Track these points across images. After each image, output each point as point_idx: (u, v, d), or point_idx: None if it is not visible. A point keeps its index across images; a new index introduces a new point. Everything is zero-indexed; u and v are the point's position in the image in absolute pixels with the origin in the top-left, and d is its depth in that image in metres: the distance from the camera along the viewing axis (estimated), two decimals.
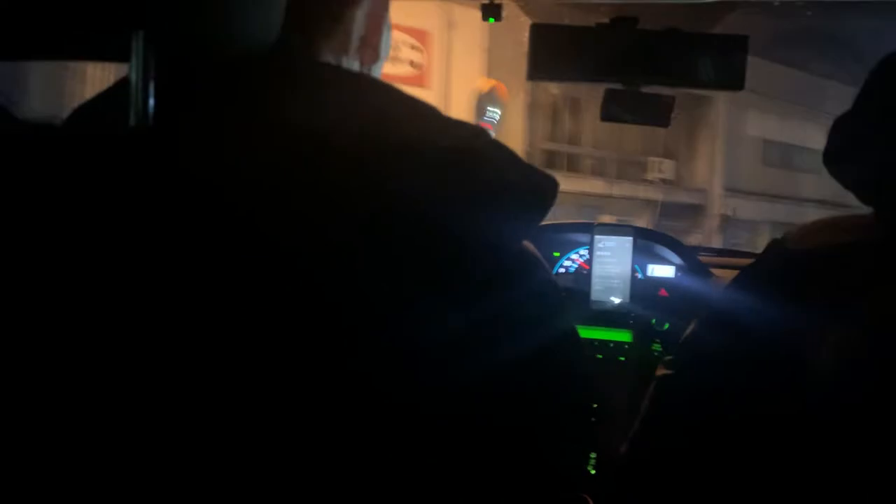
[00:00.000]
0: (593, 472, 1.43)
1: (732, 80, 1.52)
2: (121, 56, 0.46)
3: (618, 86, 1.58)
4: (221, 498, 0.45)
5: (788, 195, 12.99)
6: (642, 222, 10.18)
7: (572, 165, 11.23)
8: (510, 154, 0.57)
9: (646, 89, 1.57)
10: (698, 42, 1.55)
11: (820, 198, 13.06)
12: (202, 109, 0.51)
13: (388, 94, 0.54)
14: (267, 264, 0.46)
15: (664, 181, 11.53)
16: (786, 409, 0.59)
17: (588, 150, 11.20)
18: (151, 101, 0.47)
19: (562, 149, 10.69)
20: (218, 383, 0.44)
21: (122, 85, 0.50)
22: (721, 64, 1.52)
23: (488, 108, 4.50)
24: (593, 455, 1.44)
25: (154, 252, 0.46)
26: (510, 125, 8.93)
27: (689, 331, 0.85)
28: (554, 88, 10.59)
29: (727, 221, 11.68)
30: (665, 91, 1.58)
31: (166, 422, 0.44)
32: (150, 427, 0.44)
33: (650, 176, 11.43)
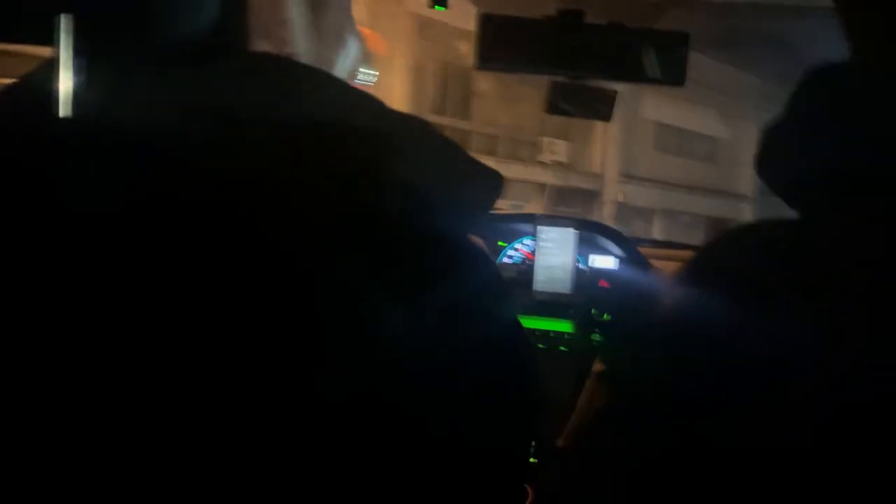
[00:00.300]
0: (534, 460, 1.61)
1: (674, 75, 1.71)
2: (44, 39, 0.47)
3: (562, 79, 1.75)
4: (220, 495, 0.48)
5: (682, 183, 13.58)
6: (534, 207, 10.40)
7: (460, 142, 11.28)
8: (454, 148, 0.63)
9: (589, 83, 1.75)
10: (641, 37, 1.73)
11: (713, 187, 13.98)
12: (132, 96, 0.52)
13: (327, 84, 0.58)
14: (201, 257, 0.49)
15: (558, 164, 11.69)
16: (736, 413, 0.61)
17: (478, 126, 11.18)
18: (79, 89, 0.48)
19: (449, 123, 10.52)
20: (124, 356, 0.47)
21: (43, 71, 0.51)
22: (663, 59, 1.71)
23: (360, 68, 4.48)
24: (533, 444, 1.62)
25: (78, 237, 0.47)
26: (390, 93, 8.72)
27: (633, 326, 0.96)
28: (441, 53, 10.24)
29: (620, 209, 12.01)
30: (608, 85, 1.78)
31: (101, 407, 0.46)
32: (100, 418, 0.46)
33: (543, 158, 11.55)
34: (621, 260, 1.67)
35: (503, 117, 11.40)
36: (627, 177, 12.76)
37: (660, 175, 13.23)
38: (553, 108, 1.69)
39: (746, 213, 15.83)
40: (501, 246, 1.81)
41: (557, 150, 11.75)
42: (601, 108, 1.69)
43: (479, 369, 0.62)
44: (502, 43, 1.63)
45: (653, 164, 13.21)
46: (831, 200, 0.65)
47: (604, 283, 1.62)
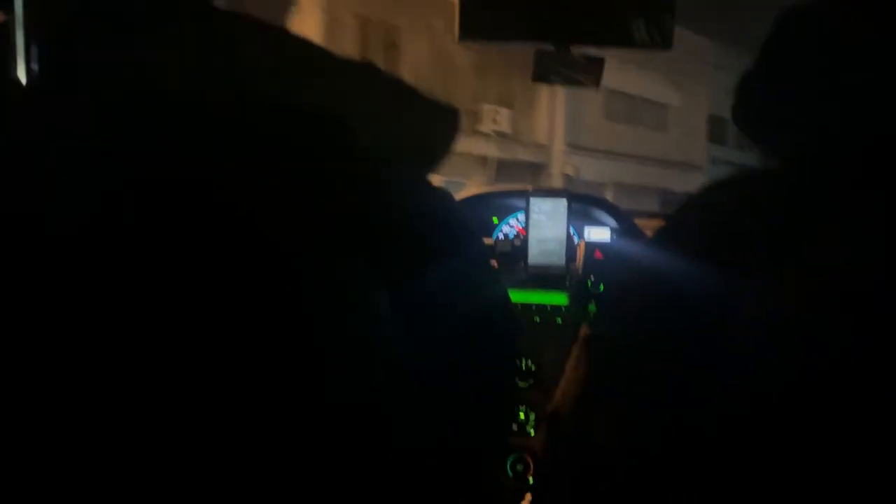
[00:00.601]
0: (533, 433, 1.70)
1: (661, 39, 1.84)
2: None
3: (547, 47, 1.87)
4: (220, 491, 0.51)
5: (633, 153, 13.73)
6: (476, 183, 10.15)
7: None
8: (408, 88, 0.67)
9: (575, 50, 1.87)
10: (627, 2, 1.85)
11: (665, 157, 14.18)
12: (87, 63, 0.55)
13: (286, 38, 0.61)
14: (175, 232, 0.51)
15: (500, 134, 11.61)
16: (700, 370, 0.65)
17: None
18: (35, 52, 0.51)
19: None
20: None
21: None
22: (649, 24, 1.83)
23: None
24: (532, 415, 1.71)
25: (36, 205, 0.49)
26: None
27: (612, 290, 1.05)
28: (361, 8, 9.80)
29: (570, 182, 11.88)
30: (594, 51, 1.89)
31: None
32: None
33: (484, 127, 11.42)
34: (614, 231, 1.80)
35: (436, 82, 10.91)
36: (576, 147, 12.77)
37: (610, 145, 13.29)
38: (540, 77, 1.80)
39: (699, 184, 16.20)
40: (495, 223, 1.94)
41: (500, 119, 11.61)
42: (589, 75, 1.81)
43: (470, 348, 0.67)
44: (485, 12, 1.73)
45: (602, 134, 13.29)
46: (810, 144, 0.67)
47: (598, 255, 1.75)
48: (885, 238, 0.58)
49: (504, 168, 11.79)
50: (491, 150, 11.67)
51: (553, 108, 12.50)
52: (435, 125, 0.71)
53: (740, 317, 0.62)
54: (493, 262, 1.77)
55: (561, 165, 12.58)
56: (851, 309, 0.57)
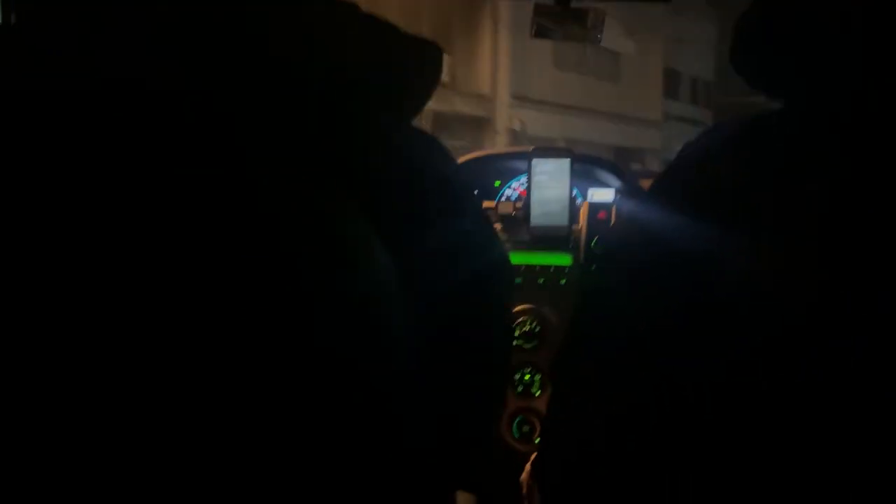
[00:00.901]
0: (538, 393, 1.84)
1: None
2: None
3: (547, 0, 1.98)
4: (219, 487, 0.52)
5: (585, 106, 13.81)
6: None
7: None
8: (388, 26, 0.70)
9: (575, 3, 1.99)
10: None
11: (619, 111, 14.22)
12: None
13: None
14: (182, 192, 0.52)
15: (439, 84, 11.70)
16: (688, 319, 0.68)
17: None
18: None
19: None
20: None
21: None
22: None
23: None
24: (538, 377, 1.85)
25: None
26: None
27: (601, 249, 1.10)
28: None
29: (515, 138, 12.03)
30: (596, 4, 2.01)
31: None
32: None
33: None
34: (618, 191, 1.92)
35: None
36: (522, 99, 12.78)
37: (559, 97, 13.32)
38: (541, 31, 1.92)
39: (655, 141, 16.48)
40: (497, 186, 2.06)
41: None
42: (590, 28, 1.93)
43: (469, 309, 0.72)
44: None
45: (551, 84, 13.31)
46: (812, 86, 0.69)
47: (602, 215, 1.88)
48: (889, 188, 0.60)
49: (441, 122, 11.73)
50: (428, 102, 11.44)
51: (496, 56, 12.37)
52: (418, 64, 0.73)
53: (737, 273, 0.64)
54: (497, 225, 1.88)
55: (506, 119, 12.60)
56: (846, 265, 0.60)
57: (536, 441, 1.80)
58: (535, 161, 1.88)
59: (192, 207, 0.52)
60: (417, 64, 0.72)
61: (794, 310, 0.61)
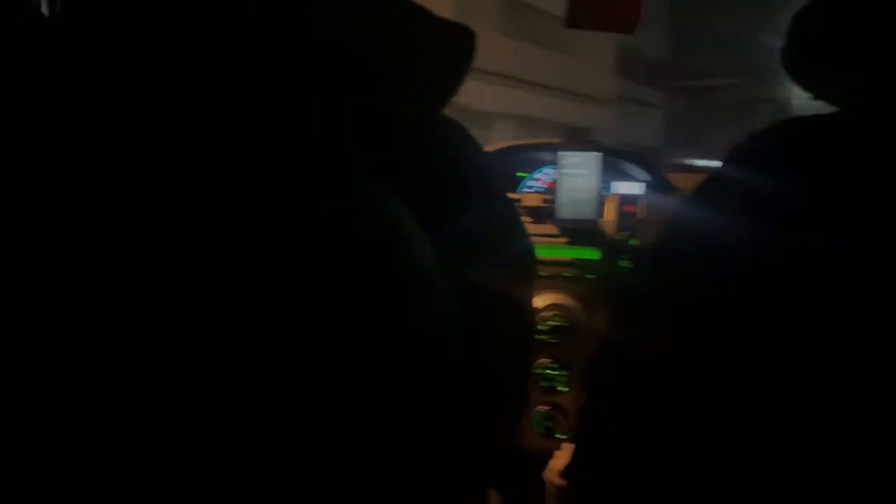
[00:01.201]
0: (566, 389, 1.94)
1: None
2: None
3: None
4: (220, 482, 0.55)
5: (534, 80, 13.65)
6: None
7: None
8: (419, 9, 0.73)
9: None
10: None
11: (569, 87, 13.99)
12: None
13: None
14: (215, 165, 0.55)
15: None
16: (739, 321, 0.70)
17: None
18: None
19: None
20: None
21: None
22: None
23: None
24: (566, 373, 1.95)
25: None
26: None
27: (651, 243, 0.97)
28: None
29: (460, 114, 11.87)
30: None
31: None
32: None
33: None
34: (647, 184, 2.02)
35: None
36: None
37: (505, 68, 13.05)
38: (572, 22, 2.03)
39: (608, 120, 16.35)
40: (521, 177, 2.15)
41: None
42: (624, 17, 1.84)
43: (496, 295, 0.75)
44: None
45: (497, 53, 12.89)
46: (874, 90, 0.70)
47: (630, 209, 1.97)
48: None
49: None
50: None
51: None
52: (450, 48, 0.75)
53: (783, 275, 0.66)
54: (525, 218, 1.94)
55: None
56: (880, 273, 0.62)
57: (557, 437, 1.91)
58: (561, 154, 1.97)
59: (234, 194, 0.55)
60: (449, 48, 0.75)
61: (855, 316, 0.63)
